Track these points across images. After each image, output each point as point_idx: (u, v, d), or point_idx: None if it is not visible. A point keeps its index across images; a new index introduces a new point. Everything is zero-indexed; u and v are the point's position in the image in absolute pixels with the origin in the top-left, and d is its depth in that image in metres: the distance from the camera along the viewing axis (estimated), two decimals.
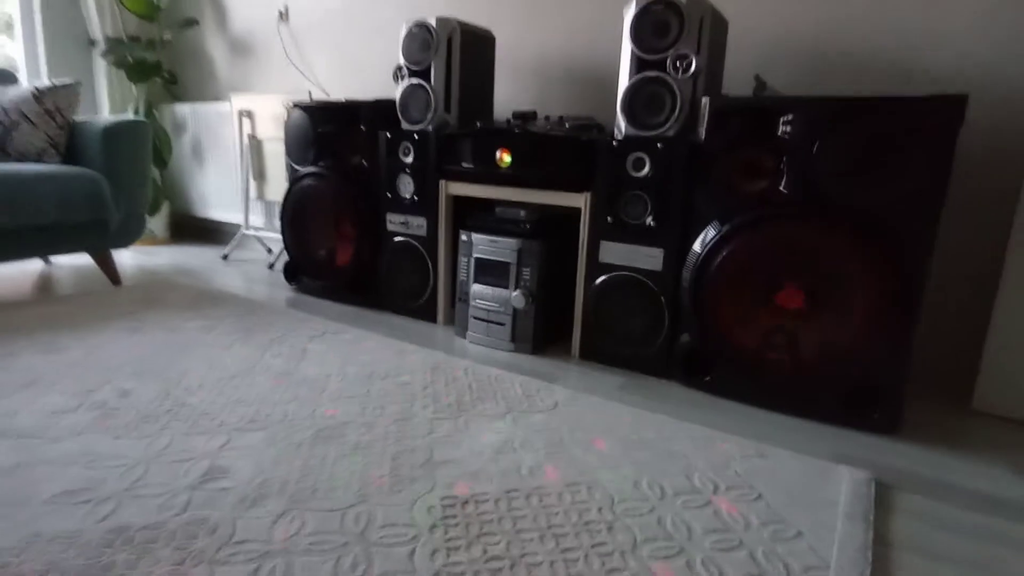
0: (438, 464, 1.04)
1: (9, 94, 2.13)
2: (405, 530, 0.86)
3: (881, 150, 1.18)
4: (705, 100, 1.35)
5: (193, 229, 3.38)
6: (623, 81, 1.47)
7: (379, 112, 1.93)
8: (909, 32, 1.51)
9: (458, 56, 1.80)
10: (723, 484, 1.02)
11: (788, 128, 1.26)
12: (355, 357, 1.53)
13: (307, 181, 2.05)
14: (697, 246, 1.38)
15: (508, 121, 1.71)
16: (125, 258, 2.74)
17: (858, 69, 1.58)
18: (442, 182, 1.80)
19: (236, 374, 1.39)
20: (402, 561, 0.79)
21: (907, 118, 1.16)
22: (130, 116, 2.19)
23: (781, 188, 1.29)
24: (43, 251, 2.00)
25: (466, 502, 0.93)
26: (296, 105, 2.08)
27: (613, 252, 1.53)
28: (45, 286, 2.19)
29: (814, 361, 1.31)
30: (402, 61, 1.84)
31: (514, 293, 1.62)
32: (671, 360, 1.50)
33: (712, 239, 1.35)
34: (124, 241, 2.22)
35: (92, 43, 2.98)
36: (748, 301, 1.40)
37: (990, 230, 1.48)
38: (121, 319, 1.75)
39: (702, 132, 1.37)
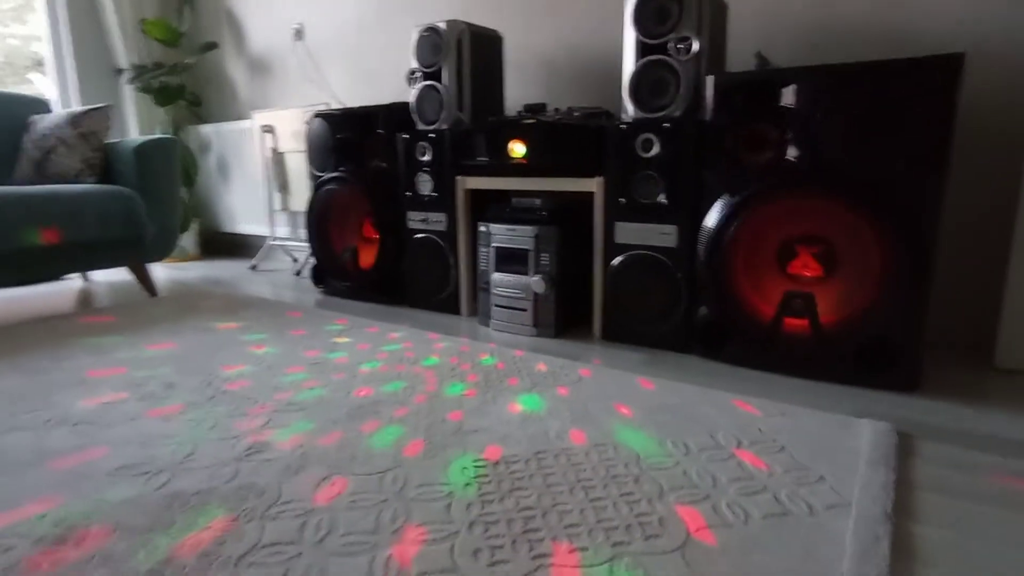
0: (469, 433, 1.09)
1: (46, 120, 2.26)
2: (441, 488, 0.91)
3: (881, 113, 1.21)
4: (709, 78, 1.39)
5: (222, 244, 3.50)
6: (628, 66, 1.52)
7: (395, 115, 2.00)
8: (906, 1, 1.54)
9: (468, 56, 1.87)
10: (746, 440, 1.05)
11: (791, 99, 1.30)
12: (383, 347, 1.59)
13: (330, 186, 2.13)
14: (709, 221, 1.42)
15: (519, 114, 1.77)
16: (159, 273, 2.86)
17: (857, 41, 1.61)
18: (459, 178, 1.86)
19: (271, 365, 1.46)
20: (440, 513, 0.84)
21: (905, 80, 1.19)
22: (159, 135, 2.29)
23: (788, 158, 1.32)
24: (86, 266, 2.10)
25: (497, 463, 0.98)
26: (317, 115, 2.17)
27: (628, 232, 1.57)
28: (86, 300, 2.30)
29: (831, 325, 1.33)
30: (415, 64, 1.92)
31: (534, 279, 1.66)
32: (691, 334, 1.53)
33: (723, 212, 1.39)
34: (159, 254, 2.32)
35: (119, 72, 3.12)
36: (763, 270, 1.43)
37: (1001, 189, 1.49)
38: (160, 324, 1.84)
39: (708, 109, 1.41)
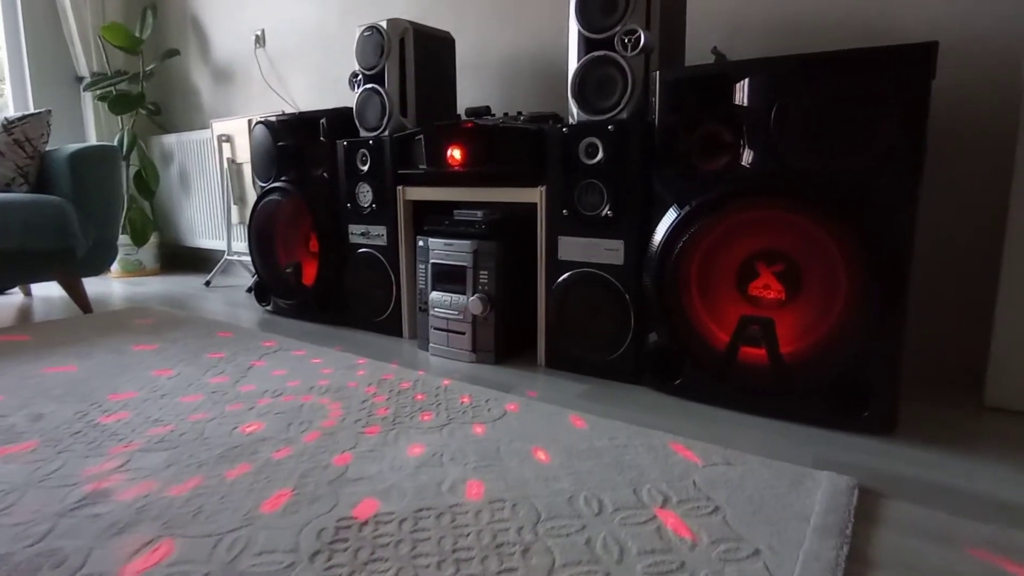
0: (348, 481, 0.92)
1: None
2: (283, 557, 0.74)
3: (846, 109, 1.05)
4: (655, 74, 1.24)
5: (183, 258, 3.36)
6: (572, 64, 1.37)
7: (339, 121, 1.86)
8: None
9: (412, 58, 1.73)
10: (675, 496, 0.87)
11: (746, 95, 1.14)
12: (299, 373, 1.42)
13: (271, 197, 1.99)
14: (657, 234, 1.26)
15: (458, 117, 1.62)
16: (113, 288, 2.72)
17: (824, 35, 1.45)
18: (399, 188, 1.71)
19: (167, 393, 1.30)
20: None
21: (871, 71, 1.02)
22: (99, 143, 2.17)
23: (743, 163, 1.16)
24: (9, 280, 1.97)
25: (365, 523, 0.81)
26: (259, 122, 2.03)
27: (572, 248, 1.41)
28: (21, 317, 2.16)
29: (793, 355, 1.16)
30: (357, 67, 1.78)
31: (472, 299, 1.50)
32: (640, 363, 1.36)
33: (672, 224, 1.22)
34: (95, 269, 2.18)
35: (79, 80, 3.02)
36: (719, 292, 1.26)
37: (988, 201, 1.32)
38: (73, 344, 1.69)
39: (655, 109, 1.25)
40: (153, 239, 3.06)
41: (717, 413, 1.21)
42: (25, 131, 2.14)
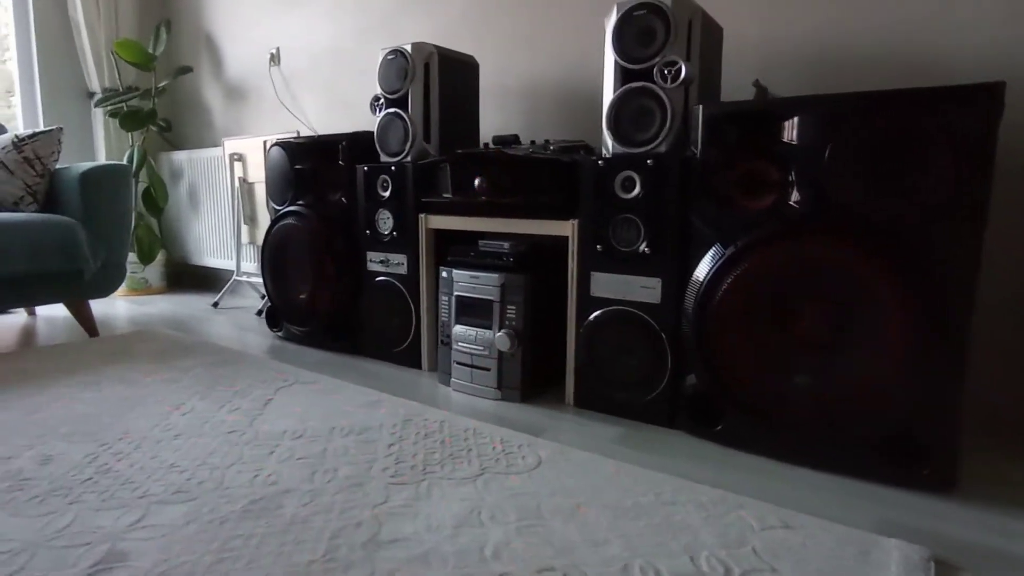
0: (383, 544, 0.86)
1: None
2: None
3: (906, 151, 1.00)
4: (697, 108, 1.19)
5: (191, 277, 3.30)
6: (607, 95, 1.33)
7: (358, 145, 1.82)
8: (922, 23, 1.34)
9: (437, 82, 1.69)
10: (737, 568, 0.81)
11: (794, 133, 1.09)
12: (319, 410, 1.36)
13: (286, 221, 1.94)
14: (699, 273, 1.20)
15: (486, 146, 1.57)
16: (118, 308, 2.66)
17: (867, 69, 1.41)
18: (421, 216, 1.66)
19: (181, 433, 1.23)
20: None
21: (934, 111, 0.98)
22: (110, 162, 2.12)
23: (791, 202, 1.11)
24: (14, 302, 1.91)
25: None
26: (276, 144, 1.99)
27: (605, 284, 1.35)
28: (25, 340, 2.10)
29: (845, 404, 1.10)
30: (379, 91, 1.74)
31: (498, 334, 1.44)
32: (676, 406, 1.30)
33: (716, 264, 1.17)
34: (103, 291, 2.12)
35: (91, 95, 2.98)
36: (762, 335, 1.21)
37: None
38: (80, 373, 1.62)
39: (697, 144, 1.21)
40: (160, 257, 3.00)
41: (761, 463, 1.15)
42: (35, 149, 2.09)
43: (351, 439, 1.21)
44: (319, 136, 1.89)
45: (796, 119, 1.08)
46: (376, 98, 1.75)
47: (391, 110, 1.71)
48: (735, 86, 1.55)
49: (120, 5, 2.98)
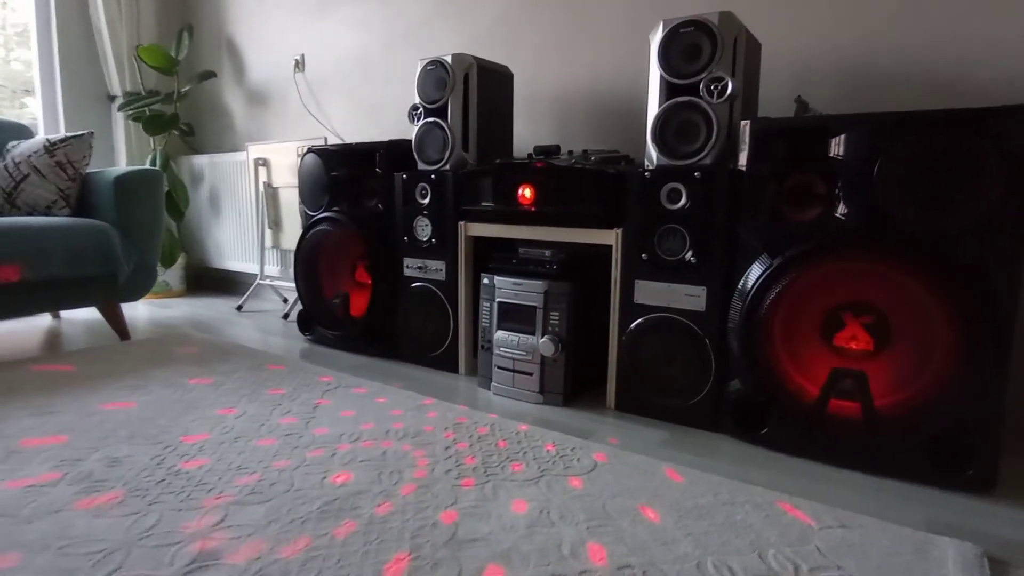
0: (464, 543, 0.89)
1: (21, 147, 2.11)
2: None
3: (952, 168, 1.05)
4: (744, 123, 1.24)
5: (210, 280, 3.32)
6: (652, 108, 1.37)
7: (395, 153, 1.85)
8: (956, 44, 1.40)
9: (475, 93, 1.73)
10: (805, 565, 0.85)
11: (841, 149, 1.14)
12: (370, 414, 1.40)
13: (321, 227, 1.97)
14: (747, 282, 1.25)
15: (529, 156, 1.61)
16: (138, 311, 2.68)
17: (901, 87, 1.46)
18: (461, 223, 1.70)
19: (240, 435, 1.26)
20: None
21: (980, 131, 1.03)
22: (143, 166, 2.15)
23: (838, 215, 1.16)
24: (50, 306, 1.92)
25: None
26: (310, 150, 2.02)
27: (650, 292, 1.39)
28: (52, 342, 2.11)
29: (887, 409, 1.15)
30: (417, 100, 1.78)
31: (542, 340, 1.48)
32: (720, 411, 1.34)
33: (763, 273, 1.21)
34: (134, 294, 2.14)
35: (112, 98, 3.00)
36: (804, 341, 1.26)
37: None
38: (123, 377, 1.65)
39: (742, 158, 1.25)
40: (180, 260, 3.02)
41: (808, 466, 1.20)
42: (67, 153, 2.11)
43: (407, 442, 1.25)
44: (356, 144, 1.92)
45: (844, 135, 1.13)
46: (414, 107, 1.79)
47: (430, 119, 1.75)
48: (771, 100, 1.60)
49: (141, 9, 3.01)
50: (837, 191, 1.16)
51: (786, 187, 1.22)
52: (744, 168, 1.25)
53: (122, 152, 3.01)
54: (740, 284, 1.26)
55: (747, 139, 1.24)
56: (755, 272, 1.23)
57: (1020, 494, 1.09)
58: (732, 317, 1.27)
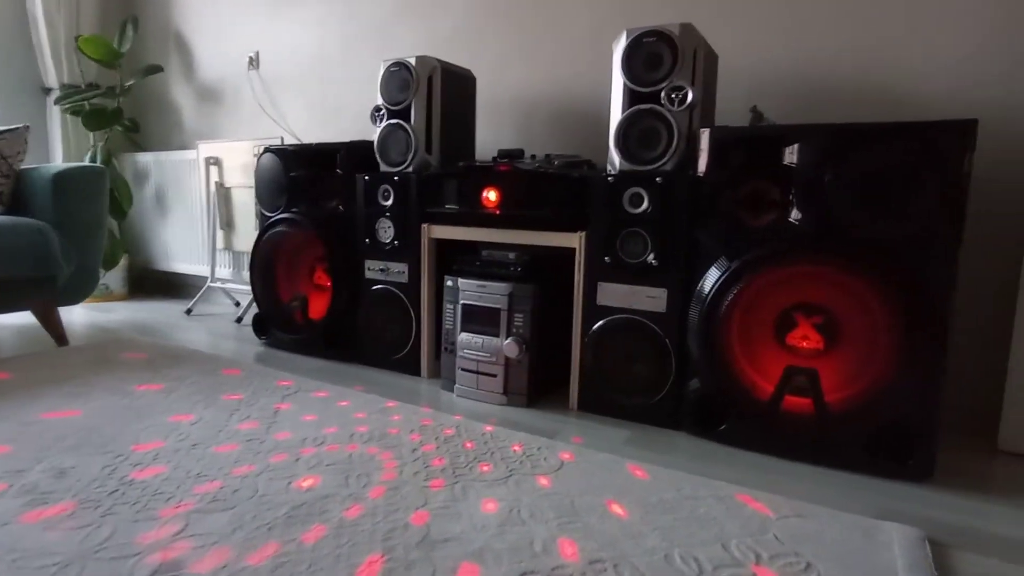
0: (436, 543, 0.89)
1: None
2: None
3: (894, 177, 1.12)
4: (704, 131, 1.29)
5: (155, 283, 3.18)
6: (615, 115, 1.41)
7: (356, 154, 1.83)
8: (900, 61, 1.50)
9: (439, 96, 1.73)
10: (765, 553, 0.89)
11: (794, 157, 1.20)
12: (333, 418, 1.37)
13: (279, 228, 1.92)
14: (706, 285, 1.29)
15: (494, 160, 1.63)
16: (76, 315, 2.54)
17: (850, 99, 1.55)
18: (424, 225, 1.69)
19: (197, 442, 1.22)
20: None
21: (919, 143, 1.10)
22: (82, 163, 2.05)
23: (791, 220, 1.22)
24: None
25: None
26: (267, 149, 1.97)
27: (612, 294, 1.43)
28: None
29: (837, 404, 1.21)
30: (380, 101, 1.76)
31: (506, 341, 1.49)
32: (680, 409, 1.38)
33: (721, 276, 1.26)
34: (75, 298, 2.04)
35: (47, 91, 2.84)
36: (759, 341, 1.31)
37: (1002, 264, 1.43)
38: (63, 384, 1.56)
39: (702, 165, 1.30)
40: (123, 262, 2.88)
41: (765, 460, 1.25)
42: (2, 148, 1.99)
43: (373, 445, 1.23)
44: (316, 144, 1.89)
45: (798, 145, 1.19)
46: (377, 108, 1.77)
47: (393, 121, 1.74)
48: (728, 109, 1.66)
49: None
50: (791, 198, 1.22)
51: (742, 193, 1.27)
52: (703, 174, 1.30)
53: (58, 147, 2.86)
54: (699, 286, 1.31)
55: (706, 147, 1.29)
56: (713, 275, 1.28)
57: (955, 481, 1.17)
58: (691, 318, 1.32)
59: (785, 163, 1.21)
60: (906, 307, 1.13)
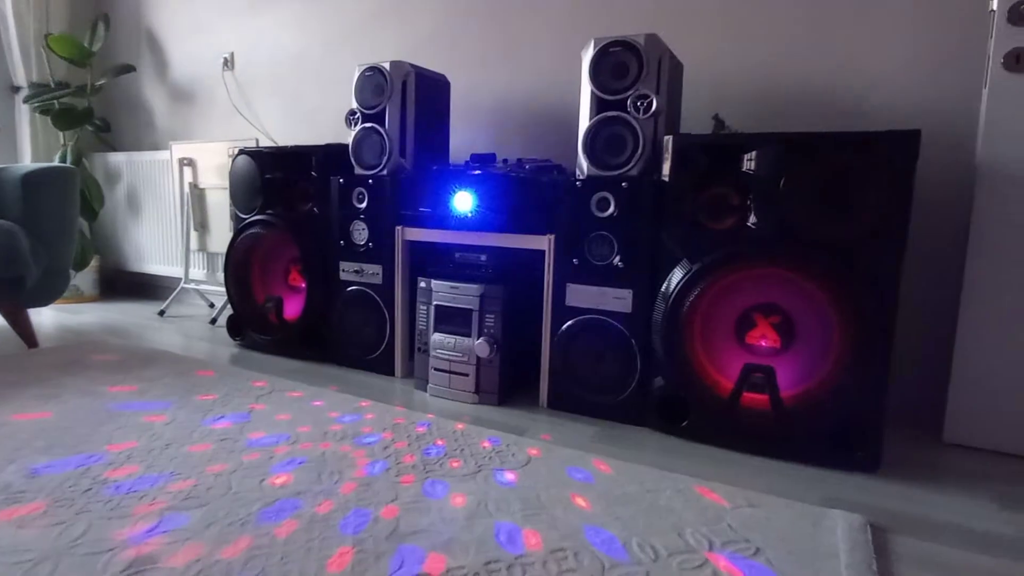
0: (406, 535, 0.92)
1: None
2: None
3: (844, 184, 1.19)
4: (668, 138, 1.34)
5: (126, 285, 3.15)
6: (583, 122, 1.45)
7: (331, 157, 1.85)
8: (852, 72, 1.57)
9: (413, 100, 1.76)
10: (718, 540, 0.94)
11: (753, 164, 1.26)
12: (306, 417, 1.39)
13: (254, 230, 1.93)
14: (667, 286, 1.35)
15: (467, 164, 1.66)
16: (45, 317, 2.51)
17: (807, 107, 1.62)
18: (398, 228, 1.72)
19: (171, 442, 1.24)
20: None
21: (866, 153, 1.17)
22: (52, 162, 2.03)
23: (749, 224, 1.27)
24: None
25: None
26: (242, 151, 1.98)
27: (580, 295, 1.47)
28: None
29: (792, 400, 1.27)
30: (355, 105, 1.79)
31: (477, 341, 1.53)
32: (645, 406, 1.43)
33: (684, 277, 1.32)
34: (45, 299, 2.02)
35: (15, 89, 2.80)
36: (720, 340, 1.37)
37: (946, 266, 1.52)
38: (34, 386, 1.56)
39: (666, 170, 1.35)
40: (93, 263, 2.85)
41: (724, 455, 1.30)
42: None
43: (346, 443, 1.26)
44: (291, 147, 1.91)
45: (756, 152, 1.25)
46: (352, 112, 1.80)
47: (368, 124, 1.76)
48: (692, 116, 1.72)
49: None
50: (749, 203, 1.28)
51: (704, 198, 1.33)
52: (667, 180, 1.35)
53: (27, 147, 2.82)
54: (663, 287, 1.36)
55: (670, 153, 1.34)
56: (676, 276, 1.33)
57: (901, 472, 1.24)
58: (655, 318, 1.37)
59: (744, 170, 1.27)
60: (854, 306, 1.19)
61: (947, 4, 1.47)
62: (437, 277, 1.60)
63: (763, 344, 1.35)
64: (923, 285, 1.54)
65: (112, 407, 1.42)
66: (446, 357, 1.59)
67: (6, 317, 1.98)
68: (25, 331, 2.00)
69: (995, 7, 1.29)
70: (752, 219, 1.27)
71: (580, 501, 1.05)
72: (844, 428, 1.23)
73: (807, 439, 1.25)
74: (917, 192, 1.53)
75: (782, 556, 0.90)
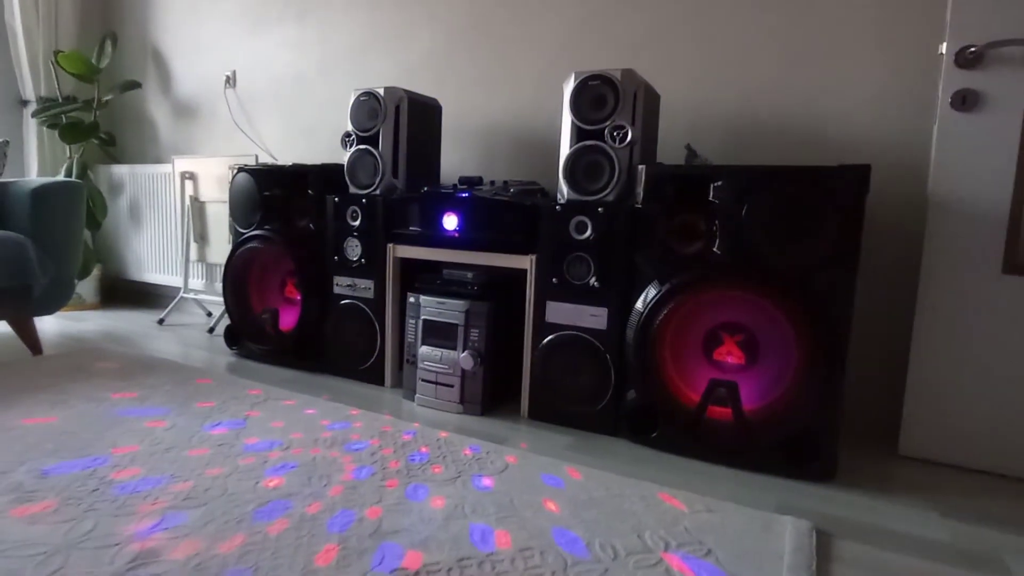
0: (387, 534, 1.01)
1: None
2: None
3: (801, 214, 1.29)
4: (641, 168, 1.44)
5: (127, 293, 3.23)
6: (564, 149, 1.55)
7: (327, 176, 1.95)
8: (816, 105, 1.68)
9: (405, 123, 1.86)
10: (674, 541, 1.03)
11: (718, 194, 1.36)
12: (299, 424, 1.48)
13: (252, 244, 2.02)
14: (639, 305, 1.44)
15: (454, 186, 1.76)
16: (48, 325, 2.59)
17: (775, 138, 1.73)
18: (390, 245, 1.81)
19: (171, 447, 1.32)
20: None
21: (820, 185, 1.27)
22: (62, 178, 2.12)
23: (715, 249, 1.37)
24: None
25: (416, 574, 0.90)
26: (241, 168, 2.07)
27: (559, 312, 1.56)
28: None
29: (753, 413, 1.36)
30: (350, 128, 1.89)
31: (462, 354, 1.62)
32: (618, 417, 1.52)
33: (653, 298, 1.41)
34: (50, 308, 2.10)
35: (24, 103, 2.90)
36: (689, 356, 1.46)
37: (900, 286, 1.61)
38: (41, 392, 1.64)
39: (639, 197, 1.45)
40: (95, 272, 2.94)
41: (690, 464, 1.39)
42: None
43: (335, 449, 1.35)
44: (288, 166, 2.00)
45: (721, 183, 1.35)
46: (347, 134, 1.89)
47: (362, 146, 1.86)
48: (669, 144, 1.83)
49: (61, 14, 2.93)
50: (715, 229, 1.37)
51: (674, 224, 1.43)
52: (641, 206, 1.45)
53: (34, 159, 2.91)
54: (636, 306, 1.45)
55: (643, 181, 1.44)
56: (648, 296, 1.43)
57: (854, 482, 1.33)
58: (628, 335, 1.46)
59: (710, 198, 1.37)
60: (810, 326, 1.28)
61: (906, 47, 1.58)
62: (425, 293, 1.69)
63: (729, 360, 1.44)
64: (881, 306, 1.64)
65: (116, 412, 1.50)
66: (433, 369, 1.68)
67: (12, 325, 2.06)
68: (30, 338, 2.08)
69: (943, 51, 1.40)
70: (718, 244, 1.36)
71: (551, 505, 1.14)
72: (801, 440, 1.32)
73: (767, 450, 1.34)
74: (877, 218, 1.63)
75: (731, 557, 0.99)
